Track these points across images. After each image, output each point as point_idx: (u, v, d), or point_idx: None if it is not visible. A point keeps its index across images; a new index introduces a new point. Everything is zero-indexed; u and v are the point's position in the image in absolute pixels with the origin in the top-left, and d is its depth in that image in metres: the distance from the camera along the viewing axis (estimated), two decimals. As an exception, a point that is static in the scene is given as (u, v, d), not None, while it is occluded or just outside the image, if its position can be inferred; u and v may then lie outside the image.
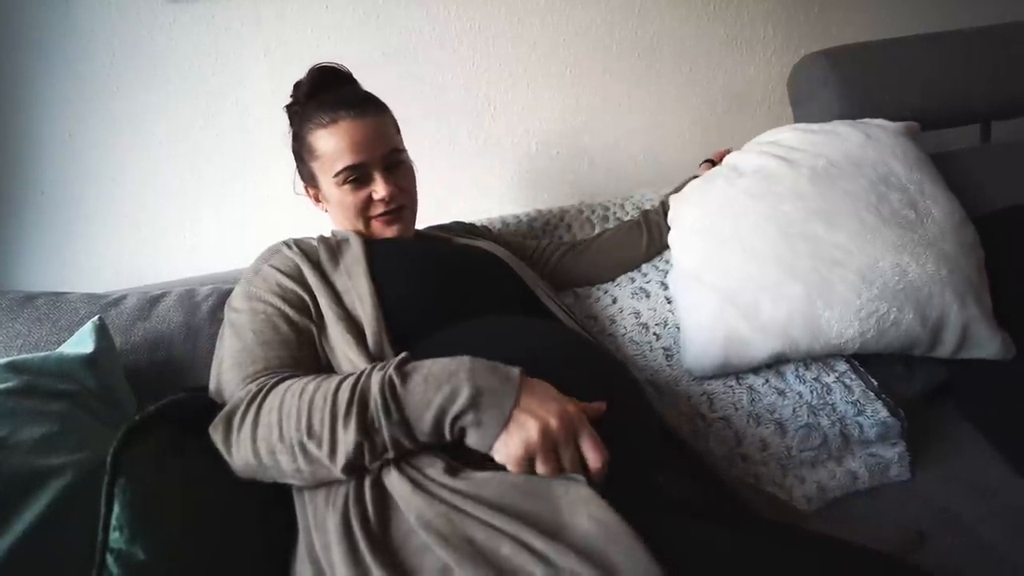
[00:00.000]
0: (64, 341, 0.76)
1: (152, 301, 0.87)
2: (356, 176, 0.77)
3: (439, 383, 0.53)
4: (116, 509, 0.52)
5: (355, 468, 0.54)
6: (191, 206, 1.18)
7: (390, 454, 0.53)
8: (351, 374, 0.57)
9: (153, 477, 0.55)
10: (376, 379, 0.54)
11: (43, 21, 1.07)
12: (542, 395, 0.53)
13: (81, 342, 0.73)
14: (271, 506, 0.61)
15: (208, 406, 0.62)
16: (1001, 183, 1.04)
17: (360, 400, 0.53)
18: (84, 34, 1.08)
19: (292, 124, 0.85)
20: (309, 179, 0.83)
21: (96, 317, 0.77)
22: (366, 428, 0.53)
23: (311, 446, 0.54)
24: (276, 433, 0.55)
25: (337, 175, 0.77)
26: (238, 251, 1.11)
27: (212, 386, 0.66)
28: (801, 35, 1.34)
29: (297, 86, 0.84)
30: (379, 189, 0.77)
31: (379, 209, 0.79)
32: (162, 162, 1.15)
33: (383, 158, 0.78)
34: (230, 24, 1.12)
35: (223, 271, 1.03)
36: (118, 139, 1.13)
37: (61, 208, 1.13)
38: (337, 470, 0.54)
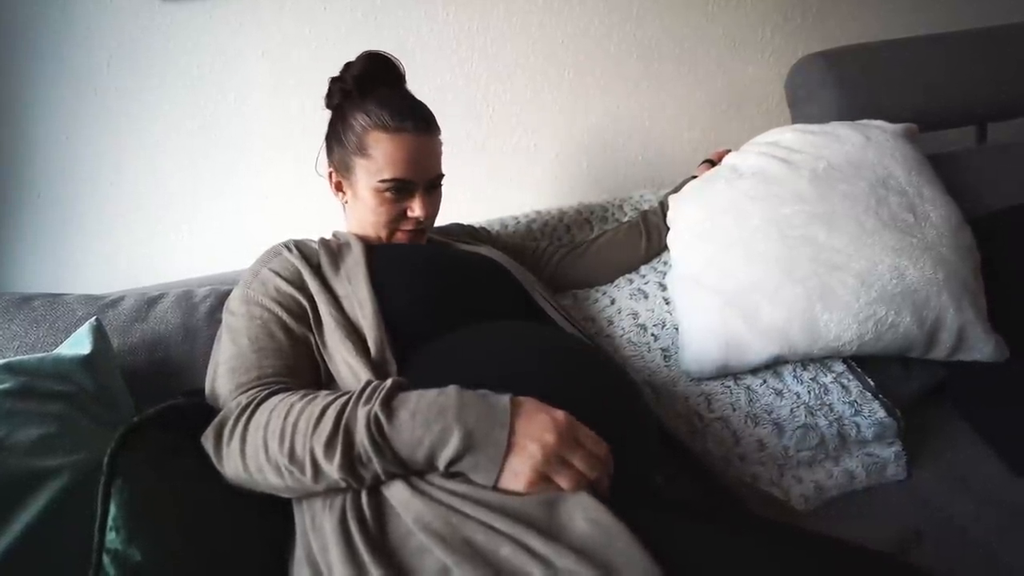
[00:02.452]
0: (61, 343, 0.75)
1: (150, 302, 0.87)
2: (400, 189, 0.77)
3: (427, 422, 0.52)
4: (113, 510, 0.52)
5: (340, 490, 0.54)
6: (189, 207, 1.17)
7: (383, 479, 0.53)
8: (337, 397, 0.56)
9: (150, 478, 0.55)
10: (362, 415, 0.53)
11: (40, 21, 1.06)
12: (532, 414, 0.52)
13: (78, 343, 0.72)
14: (268, 508, 0.61)
15: (207, 411, 0.62)
16: (997, 184, 1.05)
17: (345, 435, 0.52)
18: (81, 34, 1.08)
19: (334, 99, 0.82)
20: (343, 168, 0.80)
21: (93, 318, 0.76)
22: (352, 463, 0.52)
23: (295, 471, 0.54)
24: (263, 453, 0.55)
25: (383, 181, 0.76)
26: (236, 252, 1.11)
27: (207, 389, 0.66)
28: (799, 36, 1.34)
29: (347, 66, 0.81)
30: (416, 208, 0.78)
31: (409, 225, 0.80)
32: (160, 163, 1.15)
33: (429, 180, 0.79)
34: (228, 24, 1.12)
35: (221, 272, 1.02)
36: (115, 140, 1.12)
37: (58, 209, 1.12)
38: (321, 489, 0.55)
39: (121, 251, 1.16)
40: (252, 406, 0.58)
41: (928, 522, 0.73)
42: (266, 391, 0.60)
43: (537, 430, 0.51)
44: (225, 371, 0.64)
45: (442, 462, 0.51)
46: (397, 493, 0.52)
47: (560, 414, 0.52)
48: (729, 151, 1.07)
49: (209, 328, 0.83)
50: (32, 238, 1.12)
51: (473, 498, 0.50)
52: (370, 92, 0.79)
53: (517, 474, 0.50)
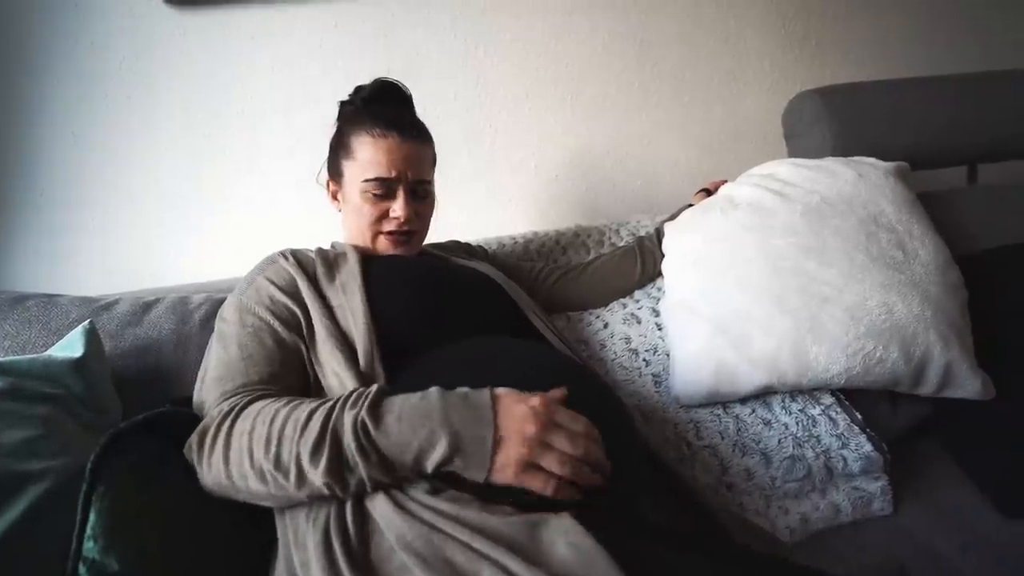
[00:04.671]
0: (54, 344, 0.75)
1: (145, 307, 0.87)
2: (381, 190, 0.79)
3: (414, 426, 0.53)
4: (92, 518, 0.52)
5: (323, 499, 0.54)
6: (191, 213, 1.18)
7: (368, 489, 0.53)
8: (322, 403, 0.56)
9: (132, 487, 0.55)
10: (348, 419, 0.53)
11: (53, 26, 1.08)
12: (511, 406, 0.54)
13: (70, 346, 0.72)
14: (250, 522, 0.60)
15: (193, 421, 0.62)
16: (986, 224, 1.07)
17: (332, 439, 0.53)
18: (94, 38, 1.09)
19: (340, 118, 0.87)
20: (336, 175, 0.85)
21: (87, 321, 0.76)
22: (339, 468, 0.52)
23: (279, 477, 0.54)
24: (247, 459, 0.55)
25: (366, 181, 0.79)
26: (234, 261, 1.11)
27: (195, 397, 0.66)
28: (796, 72, 1.38)
29: (358, 89, 0.87)
30: (397, 208, 0.80)
31: (391, 227, 0.81)
32: (164, 169, 1.16)
33: (411, 183, 0.81)
34: (239, 36, 1.14)
35: (218, 279, 1.03)
36: (121, 144, 1.13)
37: (59, 209, 1.13)
38: (304, 498, 0.54)
39: (120, 254, 1.16)
40: (235, 411, 0.58)
41: (912, 558, 0.73)
42: (248, 397, 0.60)
43: (518, 423, 0.53)
44: (212, 379, 0.64)
45: (430, 465, 0.52)
46: (380, 508, 0.52)
47: (536, 400, 0.54)
48: (725, 181, 1.09)
49: (202, 335, 0.83)
50: (32, 237, 1.13)
51: (455, 517, 0.50)
52: (368, 110, 0.83)
53: (505, 467, 0.52)
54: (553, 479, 0.52)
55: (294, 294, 0.71)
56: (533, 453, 0.52)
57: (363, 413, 0.53)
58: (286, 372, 0.65)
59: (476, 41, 1.23)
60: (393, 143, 0.79)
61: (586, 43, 1.28)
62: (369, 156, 0.79)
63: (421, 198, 0.83)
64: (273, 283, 0.71)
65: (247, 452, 0.55)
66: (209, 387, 0.63)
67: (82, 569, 0.50)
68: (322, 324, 0.67)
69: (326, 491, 0.53)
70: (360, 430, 0.53)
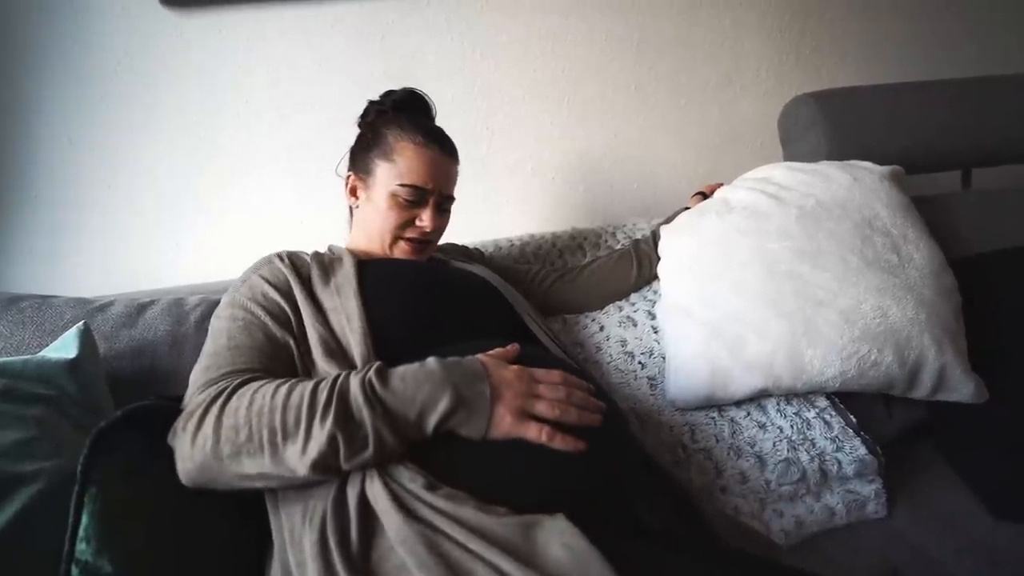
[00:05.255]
0: (48, 345, 0.75)
1: (140, 308, 0.86)
2: (414, 197, 0.81)
3: (418, 383, 0.57)
4: (85, 519, 0.52)
5: (325, 468, 0.54)
6: (188, 214, 1.18)
7: (368, 451, 0.54)
8: (324, 378, 0.58)
9: (125, 487, 0.55)
10: (355, 380, 0.57)
11: (50, 28, 1.08)
12: (497, 367, 0.60)
13: (64, 347, 0.72)
14: (244, 521, 0.60)
15: (179, 412, 0.61)
16: (980, 228, 1.07)
17: (340, 397, 0.55)
18: (91, 40, 1.09)
19: (371, 116, 0.88)
20: (364, 171, 0.84)
21: (81, 322, 0.76)
22: (345, 422, 0.54)
23: (280, 442, 0.54)
24: (244, 433, 0.55)
25: (402, 186, 0.80)
26: (230, 263, 1.11)
27: (186, 397, 0.65)
28: (793, 76, 1.39)
29: (388, 93, 0.90)
30: (425, 218, 0.82)
31: (414, 234, 0.83)
32: (160, 171, 1.16)
33: (441, 197, 0.84)
34: (236, 38, 1.14)
35: (214, 281, 1.03)
36: (117, 146, 1.13)
37: (54, 210, 1.13)
38: (304, 468, 0.53)
39: (117, 255, 1.16)
40: (226, 393, 0.58)
41: (906, 561, 0.73)
42: (238, 379, 0.60)
43: (507, 379, 0.58)
44: (199, 370, 0.64)
45: (434, 419, 0.55)
46: (382, 504, 0.52)
47: (513, 367, 0.60)
48: (721, 184, 1.09)
49: (198, 337, 0.83)
50: (28, 237, 1.12)
51: (452, 516, 0.50)
52: (404, 115, 0.85)
53: (503, 418, 0.56)
54: (546, 428, 0.56)
55: (287, 294, 0.71)
56: (526, 403, 0.57)
57: (370, 374, 0.57)
58: (274, 366, 0.65)
59: (473, 43, 1.23)
60: (435, 155, 0.82)
61: (583, 45, 1.28)
62: (410, 163, 0.81)
63: (444, 212, 0.86)
64: (267, 281, 0.72)
65: (245, 426, 0.55)
66: (195, 377, 0.63)
67: (75, 571, 0.50)
68: (314, 327, 0.67)
69: (328, 451, 0.53)
70: (367, 387, 0.56)
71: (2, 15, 1.06)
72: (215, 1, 1.11)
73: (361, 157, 0.85)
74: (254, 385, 0.58)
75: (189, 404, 0.60)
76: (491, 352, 0.62)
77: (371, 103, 0.90)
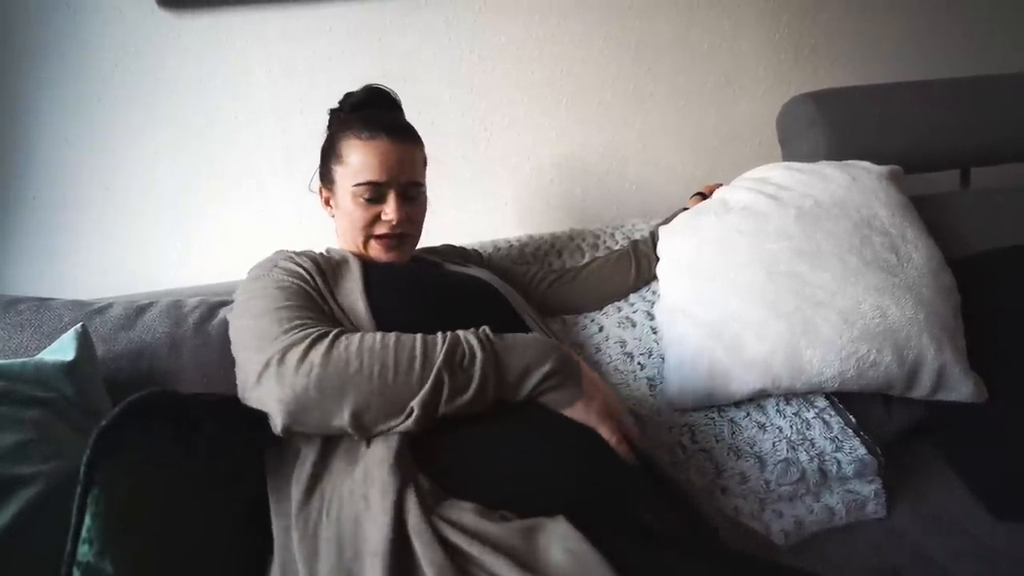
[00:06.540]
0: (46, 348, 0.75)
1: (138, 311, 0.86)
2: (372, 193, 0.79)
3: (527, 344, 0.63)
4: (87, 520, 0.51)
5: (432, 408, 0.57)
6: (185, 217, 1.18)
7: (468, 394, 0.58)
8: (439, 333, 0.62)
9: (128, 488, 0.54)
10: (471, 332, 0.62)
11: (47, 28, 1.08)
12: (590, 379, 0.65)
13: (62, 349, 0.72)
14: (247, 520, 0.60)
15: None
16: (978, 227, 1.08)
17: (452, 342, 0.60)
18: (88, 41, 1.09)
19: (330, 126, 0.88)
20: (328, 181, 0.85)
21: (79, 324, 0.76)
22: (452, 366, 0.58)
23: (390, 378, 0.57)
24: (355, 365, 0.57)
25: (357, 186, 0.79)
26: (229, 264, 1.11)
27: (240, 392, 0.63)
28: (791, 76, 1.39)
29: (347, 96, 0.87)
30: (389, 211, 0.80)
31: (383, 230, 0.81)
32: (158, 172, 1.15)
33: (402, 185, 0.81)
34: (234, 40, 1.14)
35: (213, 283, 1.02)
36: (115, 147, 1.13)
37: (52, 212, 1.12)
38: (418, 407, 0.56)
39: (114, 258, 1.16)
40: (332, 335, 0.59)
41: (906, 561, 0.73)
42: (335, 331, 0.60)
43: (594, 378, 0.66)
44: (259, 333, 0.62)
45: (536, 377, 0.61)
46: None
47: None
48: (720, 185, 1.09)
49: (196, 339, 0.83)
50: (24, 240, 1.12)
51: (453, 521, 0.50)
52: (357, 114, 0.83)
53: (593, 398, 0.63)
54: (617, 432, 0.62)
55: (313, 285, 0.71)
56: (609, 403, 0.64)
57: (486, 329, 0.63)
58: (329, 322, 0.66)
59: (471, 44, 1.23)
60: (382, 145, 0.79)
61: (581, 46, 1.28)
62: (359, 160, 0.79)
63: (412, 200, 0.83)
64: (296, 265, 0.73)
65: (356, 359, 0.57)
66: (262, 333, 0.62)
67: (76, 573, 0.50)
68: (333, 321, 0.68)
69: (434, 392, 0.56)
70: (483, 335, 0.62)
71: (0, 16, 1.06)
72: (212, 2, 1.11)
73: (324, 168, 0.86)
74: (358, 335, 0.60)
75: (277, 342, 0.59)
76: None
77: (331, 111, 0.88)
